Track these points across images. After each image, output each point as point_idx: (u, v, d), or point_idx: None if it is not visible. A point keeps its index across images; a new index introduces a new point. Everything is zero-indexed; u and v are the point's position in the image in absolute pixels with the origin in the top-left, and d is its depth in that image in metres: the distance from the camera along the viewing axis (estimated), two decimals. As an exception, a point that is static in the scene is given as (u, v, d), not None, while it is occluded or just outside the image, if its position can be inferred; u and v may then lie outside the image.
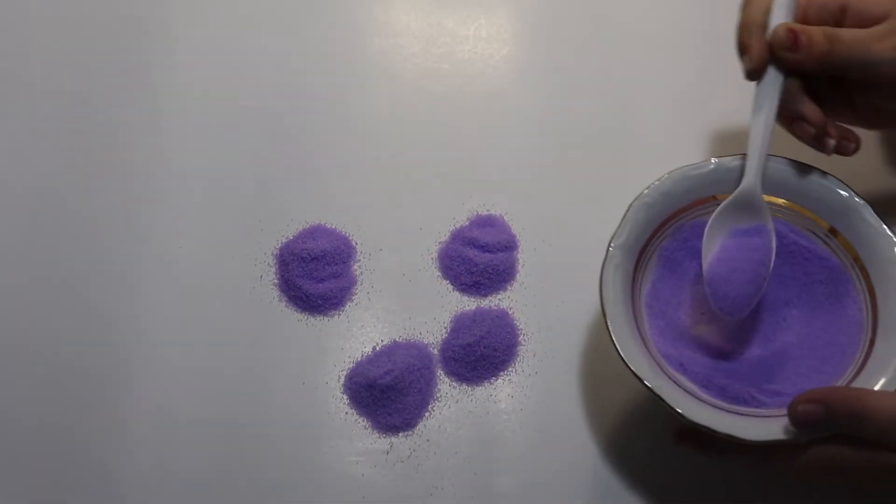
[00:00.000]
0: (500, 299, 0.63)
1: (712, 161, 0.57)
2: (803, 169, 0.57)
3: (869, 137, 0.63)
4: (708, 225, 0.55)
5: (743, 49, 0.56)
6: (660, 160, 0.66)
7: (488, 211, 0.66)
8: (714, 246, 0.55)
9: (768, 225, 0.55)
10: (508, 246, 0.64)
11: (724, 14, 0.75)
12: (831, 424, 0.47)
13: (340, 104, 0.71)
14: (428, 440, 0.58)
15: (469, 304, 0.63)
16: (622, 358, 0.50)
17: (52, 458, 0.58)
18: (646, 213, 0.55)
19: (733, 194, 0.55)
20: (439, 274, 0.64)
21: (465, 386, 0.60)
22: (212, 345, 0.61)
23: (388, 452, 0.58)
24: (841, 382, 0.52)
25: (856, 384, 0.51)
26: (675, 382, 0.52)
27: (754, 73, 0.55)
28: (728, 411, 0.51)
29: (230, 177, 0.68)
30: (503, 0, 0.76)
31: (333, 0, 0.76)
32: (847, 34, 0.54)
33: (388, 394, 0.58)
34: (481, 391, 0.60)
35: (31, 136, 0.70)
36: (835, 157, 0.57)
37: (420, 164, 0.68)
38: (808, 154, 0.57)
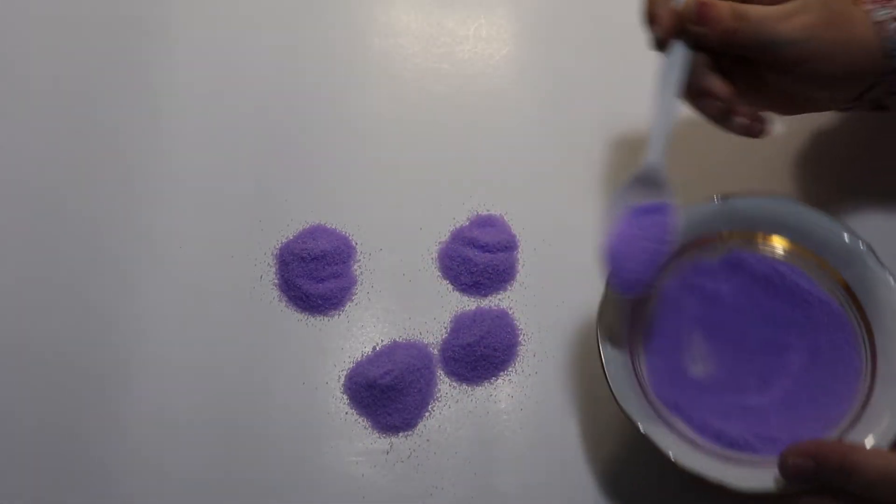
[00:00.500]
0: (500, 299, 0.63)
1: (716, 199, 0.56)
2: (809, 211, 0.56)
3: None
4: (610, 201, 0.55)
5: (650, 19, 0.54)
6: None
7: (488, 211, 0.66)
8: (614, 222, 0.54)
9: (671, 203, 0.54)
10: (508, 246, 0.64)
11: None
12: (820, 478, 0.47)
13: (340, 104, 0.71)
14: (428, 440, 0.58)
15: (469, 304, 0.63)
16: (616, 399, 0.51)
17: (52, 458, 0.58)
18: None
19: (636, 170, 0.54)
20: (439, 274, 0.64)
21: (465, 386, 0.60)
22: (212, 345, 0.61)
23: (388, 452, 0.58)
24: (837, 432, 0.52)
25: (852, 434, 0.51)
26: (669, 425, 0.52)
27: (661, 44, 0.54)
28: (722, 457, 0.51)
29: (230, 177, 0.68)
30: (503, 0, 0.76)
31: (333, 0, 0.76)
32: (754, 12, 0.53)
33: (388, 394, 0.58)
34: (481, 391, 0.60)
35: (31, 135, 0.70)
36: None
37: (420, 164, 0.68)
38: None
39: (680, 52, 0.54)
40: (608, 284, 0.53)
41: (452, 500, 0.56)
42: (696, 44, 0.54)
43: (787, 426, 0.53)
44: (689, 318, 0.56)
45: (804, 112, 0.59)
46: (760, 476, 0.49)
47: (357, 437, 0.58)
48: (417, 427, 0.58)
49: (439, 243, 0.65)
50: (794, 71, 0.54)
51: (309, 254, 0.63)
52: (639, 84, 0.71)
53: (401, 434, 0.58)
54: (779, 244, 0.57)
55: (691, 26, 0.53)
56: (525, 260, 0.64)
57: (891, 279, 0.54)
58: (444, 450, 0.58)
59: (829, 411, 0.53)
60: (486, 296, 0.63)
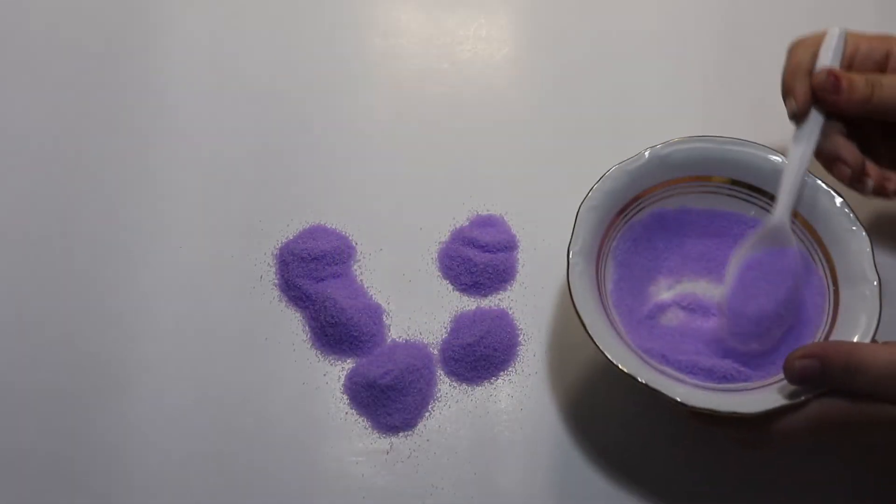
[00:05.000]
0: (500, 299, 0.63)
1: (645, 153, 0.58)
2: (729, 144, 0.58)
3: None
4: (731, 258, 0.57)
5: (787, 92, 0.57)
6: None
7: (488, 211, 0.66)
8: (733, 275, 0.57)
9: (793, 248, 0.56)
10: (508, 246, 0.64)
11: (723, 15, 0.75)
12: (827, 379, 0.48)
13: (340, 104, 0.71)
14: (428, 440, 0.58)
15: (469, 304, 0.63)
16: (611, 361, 0.51)
17: (48, 461, 0.58)
18: (594, 216, 0.56)
19: (760, 229, 0.57)
20: (439, 274, 0.64)
21: (465, 386, 0.60)
22: (212, 345, 0.61)
23: (388, 452, 0.58)
24: (819, 339, 0.53)
25: (833, 339, 0.52)
26: (663, 374, 0.52)
27: (798, 116, 0.57)
28: (722, 391, 0.52)
29: (230, 177, 0.68)
30: (503, 0, 0.76)
31: (333, 0, 0.76)
32: (889, 80, 0.55)
33: (388, 394, 0.58)
34: (481, 391, 0.60)
35: (29, 135, 0.70)
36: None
37: (420, 164, 0.68)
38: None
39: (815, 121, 0.56)
40: (568, 257, 0.55)
41: (452, 500, 0.56)
42: (831, 112, 0.56)
43: (770, 348, 0.55)
44: (645, 271, 0.59)
45: None
46: (767, 396, 0.50)
47: (357, 437, 0.58)
48: (417, 427, 0.58)
49: (439, 243, 0.65)
50: None
51: (309, 254, 0.63)
52: (639, 84, 0.71)
53: (401, 434, 0.58)
54: (711, 182, 0.59)
55: (826, 95, 0.55)
56: (525, 260, 0.64)
57: (821, 183, 0.56)
58: (444, 450, 0.58)
59: (806, 324, 0.55)
60: (486, 296, 0.63)
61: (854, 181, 0.57)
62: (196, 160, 0.68)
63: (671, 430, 0.58)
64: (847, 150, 0.57)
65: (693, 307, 0.59)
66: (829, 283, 0.55)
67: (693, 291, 0.59)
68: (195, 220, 0.66)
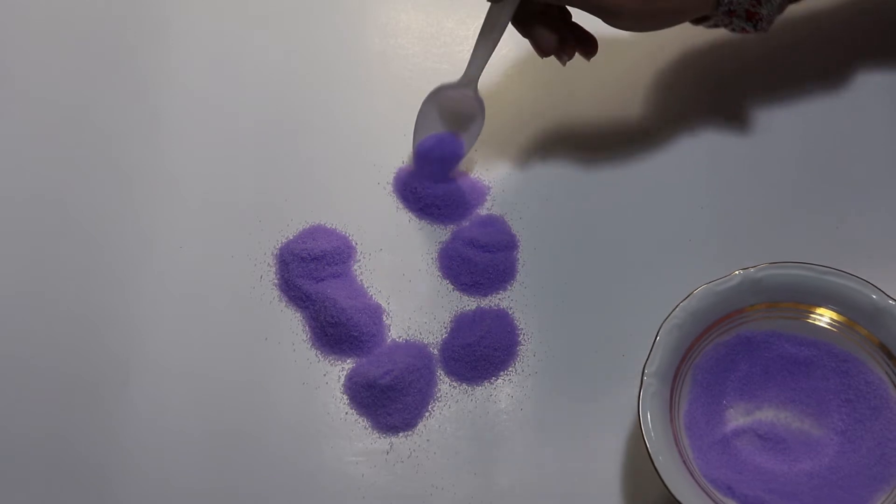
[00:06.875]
0: (500, 299, 0.63)
1: (737, 273, 0.55)
2: (831, 275, 0.55)
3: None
4: (421, 106, 0.64)
5: None
6: (661, 160, 0.66)
7: (488, 211, 0.66)
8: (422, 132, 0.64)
9: (480, 115, 0.64)
10: (508, 246, 0.64)
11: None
12: None
13: (340, 104, 0.71)
14: (428, 440, 0.58)
15: (469, 304, 0.63)
16: (671, 494, 0.50)
17: (49, 459, 0.58)
18: (676, 335, 0.54)
19: (454, 82, 0.62)
20: (439, 274, 0.64)
21: (465, 386, 0.60)
22: (211, 345, 0.61)
23: (388, 452, 0.58)
24: (890, 490, 0.52)
25: None
26: None
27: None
28: None
29: (230, 177, 0.68)
30: (503, 0, 0.76)
31: (333, 0, 0.76)
32: None
33: (388, 394, 0.58)
34: (481, 391, 0.60)
35: (29, 137, 0.70)
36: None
37: (420, 164, 0.68)
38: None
39: (510, 3, 0.59)
40: (643, 378, 0.53)
41: (452, 500, 0.56)
42: None
43: (843, 493, 0.53)
44: (725, 394, 0.57)
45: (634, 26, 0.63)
46: None
47: (357, 437, 0.58)
48: (417, 427, 0.58)
49: (439, 243, 0.65)
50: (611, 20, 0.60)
51: (309, 254, 0.63)
52: (640, 83, 0.71)
53: (401, 434, 0.58)
54: (804, 310, 0.56)
55: None
56: (525, 260, 0.64)
57: None
58: (444, 450, 0.58)
59: (883, 474, 0.53)
60: (486, 296, 0.63)
61: (554, 55, 0.62)
62: (196, 160, 0.68)
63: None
64: (542, 36, 0.60)
65: (769, 436, 0.56)
66: None
67: (772, 420, 0.56)
68: (195, 219, 0.66)
